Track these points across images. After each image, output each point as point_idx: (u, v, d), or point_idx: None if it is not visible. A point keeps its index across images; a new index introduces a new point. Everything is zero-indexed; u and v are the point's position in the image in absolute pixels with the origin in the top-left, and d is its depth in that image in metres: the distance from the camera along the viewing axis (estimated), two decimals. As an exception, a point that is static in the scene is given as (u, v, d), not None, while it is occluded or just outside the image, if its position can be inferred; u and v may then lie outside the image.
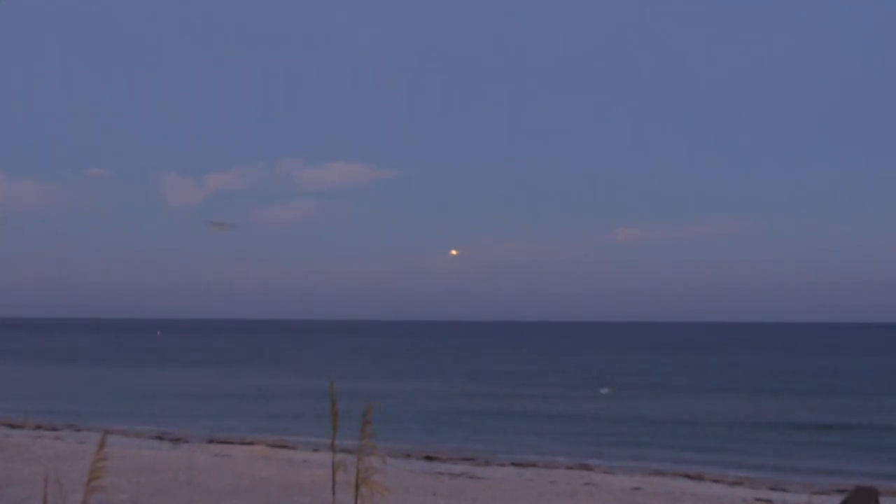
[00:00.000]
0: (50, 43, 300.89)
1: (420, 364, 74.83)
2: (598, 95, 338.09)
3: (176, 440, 26.55)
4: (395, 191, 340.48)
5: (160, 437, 27.18)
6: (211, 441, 26.35)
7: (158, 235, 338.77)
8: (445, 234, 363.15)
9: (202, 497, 14.66)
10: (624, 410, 37.82)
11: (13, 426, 28.80)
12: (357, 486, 3.84)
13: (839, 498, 15.40)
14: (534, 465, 22.78)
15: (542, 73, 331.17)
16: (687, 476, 21.43)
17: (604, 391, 45.64)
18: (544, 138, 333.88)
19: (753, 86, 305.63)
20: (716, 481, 20.77)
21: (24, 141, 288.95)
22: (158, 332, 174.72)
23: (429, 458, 23.55)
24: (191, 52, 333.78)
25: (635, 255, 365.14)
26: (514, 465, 22.71)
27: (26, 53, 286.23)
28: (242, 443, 26.15)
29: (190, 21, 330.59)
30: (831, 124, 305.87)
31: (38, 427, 28.87)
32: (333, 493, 3.91)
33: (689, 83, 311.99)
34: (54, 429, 28.57)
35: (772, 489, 19.71)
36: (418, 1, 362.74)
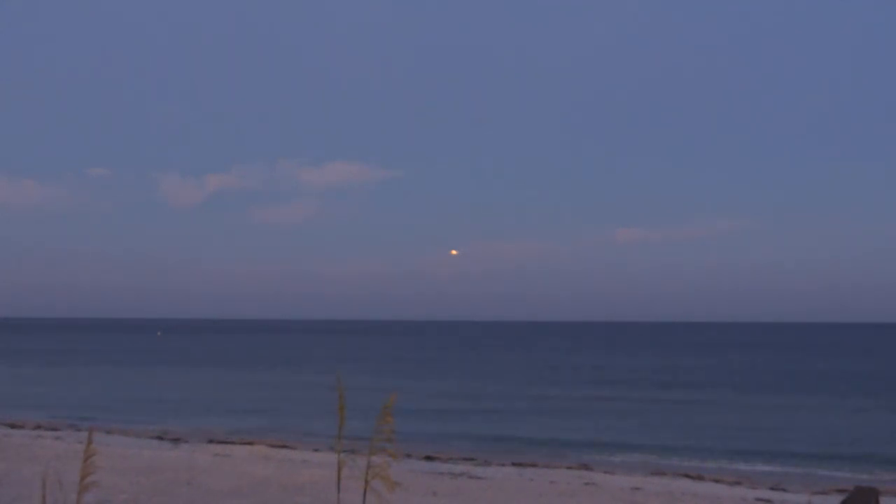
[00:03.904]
0: (50, 43, 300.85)
1: (419, 363, 74.79)
2: (599, 97, 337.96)
3: (176, 440, 26.54)
4: (395, 191, 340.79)
5: (160, 437, 27.17)
6: (211, 441, 26.34)
7: (158, 235, 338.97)
8: (445, 234, 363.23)
9: (202, 497, 14.64)
10: (625, 410, 37.82)
11: (13, 426, 28.79)
12: (366, 481, 3.82)
13: (839, 498, 15.40)
14: (534, 464, 22.77)
15: (543, 75, 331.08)
16: (687, 476, 21.43)
17: None
18: (545, 139, 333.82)
19: (755, 87, 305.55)
20: (716, 481, 20.76)
21: (24, 141, 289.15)
22: (158, 333, 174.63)
23: (429, 458, 23.54)
24: (191, 52, 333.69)
25: (636, 256, 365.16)
26: (515, 464, 22.70)
27: (26, 53, 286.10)
28: (242, 443, 26.14)
29: (190, 22, 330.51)
30: (832, 126, 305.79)
31: (38, 427, 28.86)
32: (338, 489, 3.89)
33: (690, 85, 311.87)
34: (54, 429, 28.56)
35: (772, 489, 19.70)
36: (419, 2, 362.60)
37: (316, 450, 24.51)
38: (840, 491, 18.99)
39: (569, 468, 22.28)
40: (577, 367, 70.37)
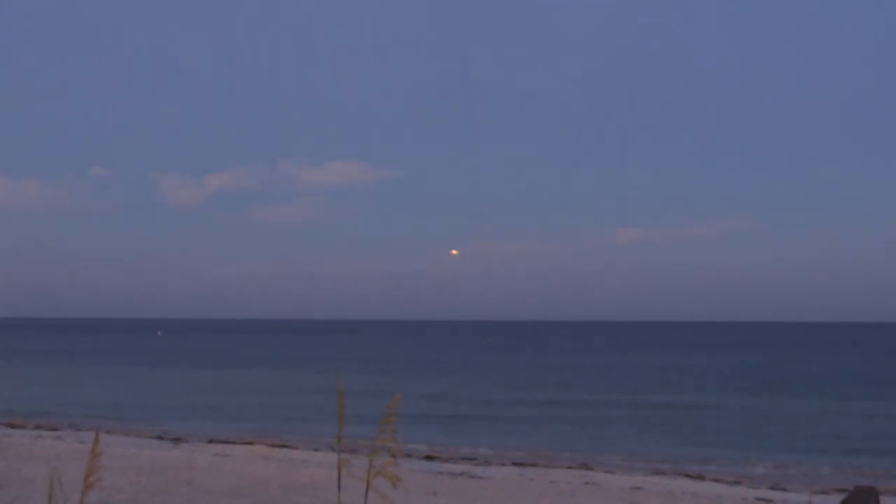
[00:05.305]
0: (50, 43, 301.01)
1: (419, 363, 74.81)
2: (600, 96, 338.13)
3: (176, 440, 26.54)
4: (395, 191, 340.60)
5: (160, 437, 27.16)
6: (211, 441, 26.34)
7: (158, 235, 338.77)
8: (445, 234, 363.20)
9: (202, 497, 14.65)
10: (625, 409, 37.84)
11: (13, 426, 28.79)
12: (368, 482, 3.81)
13: (839, 497, 15.41)
14: (534, 464, 22.78)
15: (543, 74, 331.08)
16: (687, 476, 21.43)
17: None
18: (545, 138, 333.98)
19: (755, 87, 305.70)
20: (716, 481, 20.77)
21: (25, 141, 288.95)
22: (158, 332, 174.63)
23: (429, 458, 23.54)
24: (191, 52, 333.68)
25: (637, 256, 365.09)
26: (515, 464, 22.71)
27: (26, 53, 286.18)
28: (242, 443, 26.14)
29: (190, 21, 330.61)
30: (833, 125, 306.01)
31: (38, 427, 28.86)
32: (339, 487, 3.89)
33: (691, 84, 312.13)
34: (54, 429, 28.56)
35: (772, 489, 19.71)
36: (419, 2, 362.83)
37: (316, 450, 24.51)
38: (840, 490, 19.00)
39: (569, 468, 22.28)
40: (577, 368, 70.36)
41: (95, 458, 3.92)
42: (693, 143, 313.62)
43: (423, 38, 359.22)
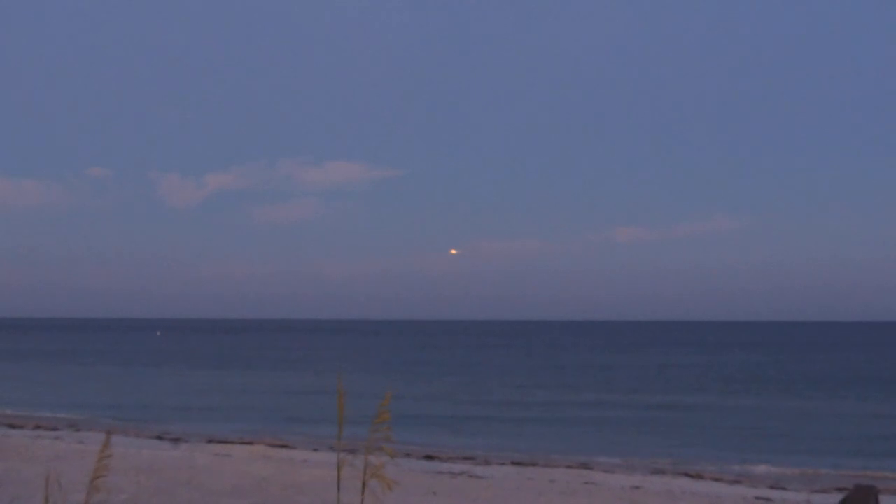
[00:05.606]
0: (49, 43, 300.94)
1: (419, 363, 74.81)
2: (598, 95, 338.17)
3: (176, 440, 26.54)
4: (396, 191, 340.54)
5: (160, 437, 27.16)
6: (211, 441, 26.34)
7: (158, 235, 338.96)
8: (445, 234, 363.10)
9: (202, 497, 14.65)
10: (625, 409, 37.84)
11: (13, 426, 28.79)
12: (364, 482, 3.81)
13: (839, 496, 15.41)
14: (534, 464, 22.77)
15: (542, 73, 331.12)
16: (687, 475, 21.44)
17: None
18: (545, 137, 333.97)
19: (754, 84, 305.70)
20: (716, 480, 20.78)
21: (24, 141, 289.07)
22: (158, 332, 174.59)
23: (429, 458, 23.54)
24: (191, 52, 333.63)
25: (636, 255, 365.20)
26: (514, 464, 22.70)
27: (26, 53, 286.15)
28: (242, 443, 26.14)
29: (190, 21, 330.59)
30: (833, 123, 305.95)
31: (38, 427, 28.86)
32: (339, 488, 3.90)
33: (689, 82, 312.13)
34: (54, 429, 28.56)
35: (771, 488, 19.72)
36: (419, 2, 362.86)
37: (316, 450, 24.51)
38: (839, 489, 19.01)
39: (569, 467, 22.28)
40: (577, 367, 70.37)
41: (104, 459, 3.88)
42: (693, 141, 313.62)
43: (422, 38, 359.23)
